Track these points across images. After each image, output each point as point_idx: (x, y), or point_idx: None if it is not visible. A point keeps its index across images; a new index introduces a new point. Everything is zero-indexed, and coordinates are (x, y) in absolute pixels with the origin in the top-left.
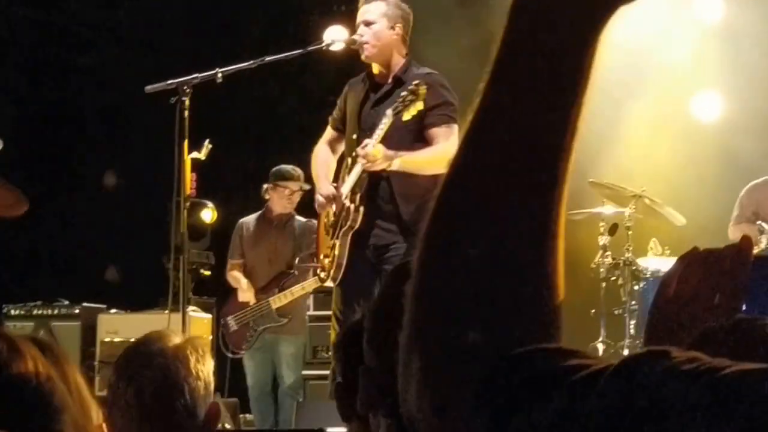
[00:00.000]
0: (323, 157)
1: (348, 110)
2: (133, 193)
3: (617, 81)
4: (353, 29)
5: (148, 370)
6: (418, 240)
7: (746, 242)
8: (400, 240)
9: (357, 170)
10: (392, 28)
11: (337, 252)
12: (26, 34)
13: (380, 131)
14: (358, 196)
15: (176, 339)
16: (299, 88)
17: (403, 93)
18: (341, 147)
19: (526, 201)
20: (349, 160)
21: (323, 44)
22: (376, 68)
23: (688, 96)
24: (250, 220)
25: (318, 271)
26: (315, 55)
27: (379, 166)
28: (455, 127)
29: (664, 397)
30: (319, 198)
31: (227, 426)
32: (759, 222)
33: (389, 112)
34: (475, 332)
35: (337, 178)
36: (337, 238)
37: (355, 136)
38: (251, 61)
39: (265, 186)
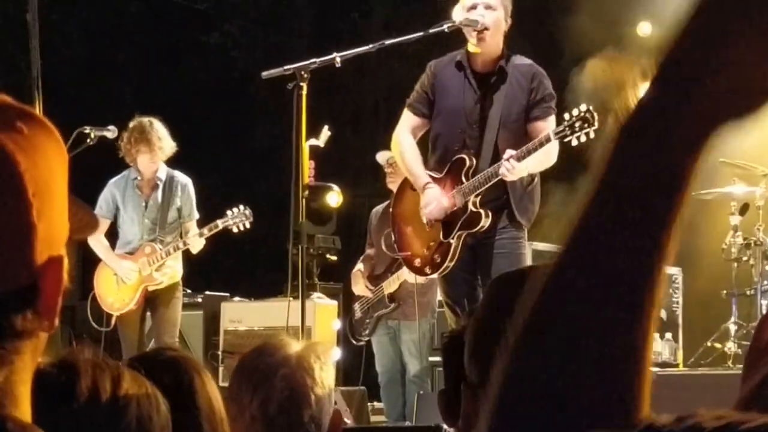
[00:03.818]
0: (411, 148)
1: (442, 98)
2: (259, 176)
3: None
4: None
5: (273, 382)
6: (514, 324)
7: None
8: (506, 227)
9: (488, 179)
10: (506, 20)
11: (451, 252)
12: (149, 13)
13: (529, 151)
14: (478, 200)
15: (296, 346)
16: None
17: (570, 118)
18: (421, 133)
19: (623, 313)
20: (467, 160)
21: (444, 26)
22: (478, 56)
23: None
24: (380, 208)
25: (417, 264)
26: (444, 32)
27: (517, 177)
28: (554, 118)
29: None
30: (432, 210)
31: (346, 421)
32: None
33: (552, 135)
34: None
35: (452, 182)
36: (453, 238)
37: (460, 131)
38: (370, 45)
39: (388, 177)
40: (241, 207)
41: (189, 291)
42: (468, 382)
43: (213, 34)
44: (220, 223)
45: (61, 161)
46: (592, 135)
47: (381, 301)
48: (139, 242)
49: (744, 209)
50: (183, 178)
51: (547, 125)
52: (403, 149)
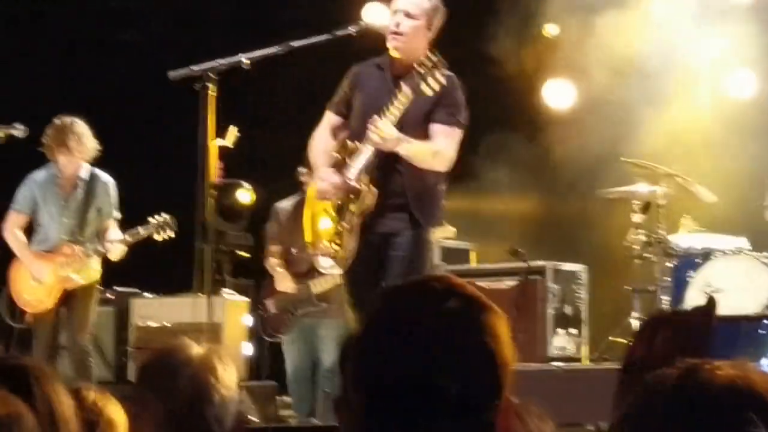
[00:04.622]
0: (324, 145)
1: (360, 95)
2: (170, 174)
3: (650, 59)
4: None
5: (177, 381)
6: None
7: (711, 305)
8: (408, 228)
9: (366, 153)
10: (428, 28)
11: (344, 237)
12: (64, 8)
13: (396, 109)
14: (367, 179)
15: (198, 349)
16: (340, 66)
17: (419, 67)
18: (342, 133)
19: None
20: (350, 144)
21: (350, 30)
22: (396, 60)
23: (721, 74)
24: (286, 205)
25: (325, 260)
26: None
27: (389, 145)
28: (458, 131)
29: None
30: (322, 185)
31: (251, 418)
32: None
33: (407, 89)
34: None
35: (341, 167)
36: (345, 221)
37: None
38: (277, 47)
39: (300, 170)
40: (164, 215)
41: (100, 288)
42: (346, 399)
43: (129, 31)
44: (141, 231)
45: None
46: (443, 80)
47: (308, 300)
48: (57, 241)
49: (646, 208)
50: (104, 177)
51: (444, 130)
52: (313, 145)
